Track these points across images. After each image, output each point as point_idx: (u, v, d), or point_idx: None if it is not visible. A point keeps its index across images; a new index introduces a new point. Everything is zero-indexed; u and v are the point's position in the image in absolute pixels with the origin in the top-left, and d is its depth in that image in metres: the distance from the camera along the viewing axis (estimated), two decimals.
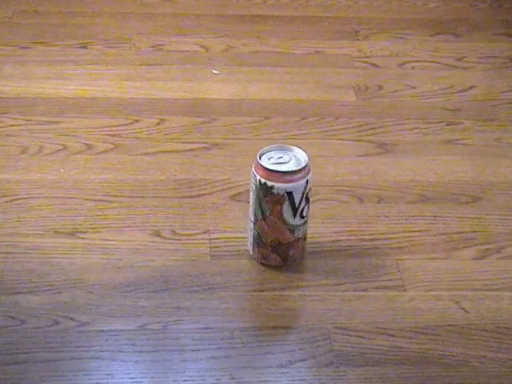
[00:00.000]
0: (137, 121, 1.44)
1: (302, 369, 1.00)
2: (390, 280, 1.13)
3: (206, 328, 1.05)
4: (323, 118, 1.47)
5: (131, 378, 0.98)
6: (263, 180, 1.07)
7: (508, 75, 1.62)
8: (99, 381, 0.98)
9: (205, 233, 1.19)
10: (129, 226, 1.20)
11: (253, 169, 1.08)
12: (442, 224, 1.23)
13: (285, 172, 1.07)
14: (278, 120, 1.46)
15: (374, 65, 1.64)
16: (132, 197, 1.26)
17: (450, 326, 1.06)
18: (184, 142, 1.38)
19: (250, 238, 1.13)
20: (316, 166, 1.34)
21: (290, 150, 1.10)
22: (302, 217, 1.11)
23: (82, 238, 1.18)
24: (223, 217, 1.23)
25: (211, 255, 1.15)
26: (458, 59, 1.66)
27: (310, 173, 1.09)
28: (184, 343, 1.03)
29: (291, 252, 1.13)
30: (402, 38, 1.73)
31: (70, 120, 1.43)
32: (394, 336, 1.04)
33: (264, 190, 1.08)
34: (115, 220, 1.19)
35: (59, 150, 1.36)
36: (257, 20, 1.78)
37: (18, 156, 1.34)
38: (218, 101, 1.51)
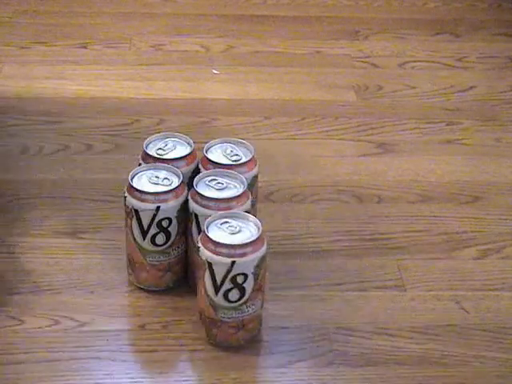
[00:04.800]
0: (137, 121, 1.44)
1: (301, 369, 1.00)
2: (390, 280, 1.13)
3: None
4: (323, 118, 1.47)
5: (131, 378, 0.98)
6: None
7: (508, 75, 1.62)
8: (99, 381, 0.98)
9: None
10: None
11: None
12: (442, 224, 1.23)
13: (135, 189, 1.03)
14: (278, 120, 1.46)
15: (374, 65, 1.64)
16: None
17: (449, 325, 1.06)
18: None
19: None
20: (316, 166, 1.34)
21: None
22: (156, 244, 1.05)
23: (82, 238, 1.18)
24: None
25: None
26: (458, 59, 1.66)
27: (172, 207, 1.02)
28: (184, 343, 1.03)
29: (143, 275, 1.08)
30: (402, 37, 1.73)
31: (70, 120, 1.43)
32: (394, 336, 1.04)
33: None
34: (115, 220, 1.19)
35: (59, 150, 1.36)
36: (257, 20, 1.78)
37: (18, 156, 1.34)
38: (218, 101, 1.51)
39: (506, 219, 1.25)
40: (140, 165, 1.08)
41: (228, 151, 1.10)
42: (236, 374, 0.99)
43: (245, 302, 0.98)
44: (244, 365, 1.00)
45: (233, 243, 0.96)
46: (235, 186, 1.04)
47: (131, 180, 1.04)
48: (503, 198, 1.29)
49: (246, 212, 1.03)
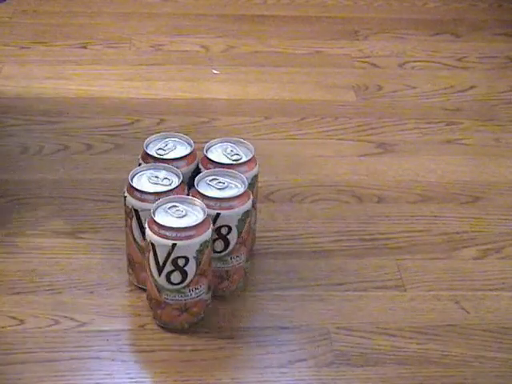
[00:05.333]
0: (137, 121, 1.44)
1: (301, 369, 1.00)
2: (389, 280, 1.13)
3: (207, 328, 1.05)
4: (323, 118, 1.47)
5: (131, 378, 0.98)
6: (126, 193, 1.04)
7: (508, 75, 1.62)
8: (99, 381, 0.98)
9: None
10: None
11: None
12: (442, 224, 1.23)
13: (135, 189, 1.03)
14: (278, 120, 1.46)
15: (374, 65, 1.64)
16: None
17: (449, 326, 1.06)
18: None
19: None
20: (316, 166, 1.35)
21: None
22: None
23: (82, 238, 1.18)
24: None
25: None
26: (458, 59, 1.66)
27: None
28: (184, 343, 1.03)
29: (143, 275, 1.05)
30: (402, 37, 1.73)
31: (70, 120, 1.43)
32: (394, 336, 1.04)
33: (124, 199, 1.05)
34: (115, 220, 1.19)
35: (59, 150, 1.36)
36: (257, 20, 1.78)
37: (18, 156, 1.34)
38: (218, 101, 1.51)
39: (506, 219, 1.25)
40: (140, 165, 1.08)
41: (228, 151, 1.10)
42: (236, 373, 0.99)
43: (187, 286, 1.00)
44: (244, 365, 1.00)
45: (175, 226, 0.97)
46: (236, 186, 1.04)
47: (131, 180, 1.04)
48: (503, 198, 1.29)
49: (248, 211, 1.03)
